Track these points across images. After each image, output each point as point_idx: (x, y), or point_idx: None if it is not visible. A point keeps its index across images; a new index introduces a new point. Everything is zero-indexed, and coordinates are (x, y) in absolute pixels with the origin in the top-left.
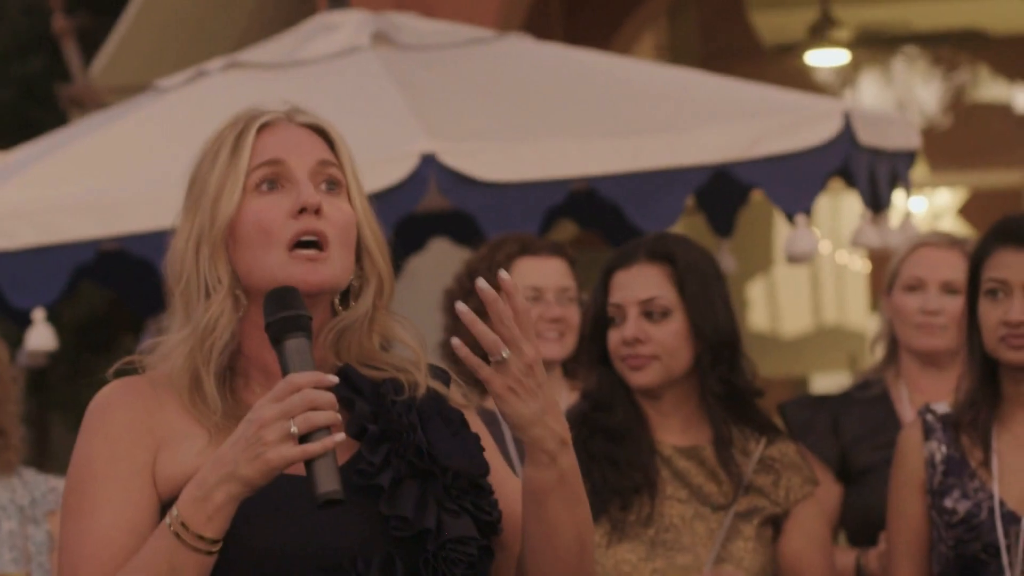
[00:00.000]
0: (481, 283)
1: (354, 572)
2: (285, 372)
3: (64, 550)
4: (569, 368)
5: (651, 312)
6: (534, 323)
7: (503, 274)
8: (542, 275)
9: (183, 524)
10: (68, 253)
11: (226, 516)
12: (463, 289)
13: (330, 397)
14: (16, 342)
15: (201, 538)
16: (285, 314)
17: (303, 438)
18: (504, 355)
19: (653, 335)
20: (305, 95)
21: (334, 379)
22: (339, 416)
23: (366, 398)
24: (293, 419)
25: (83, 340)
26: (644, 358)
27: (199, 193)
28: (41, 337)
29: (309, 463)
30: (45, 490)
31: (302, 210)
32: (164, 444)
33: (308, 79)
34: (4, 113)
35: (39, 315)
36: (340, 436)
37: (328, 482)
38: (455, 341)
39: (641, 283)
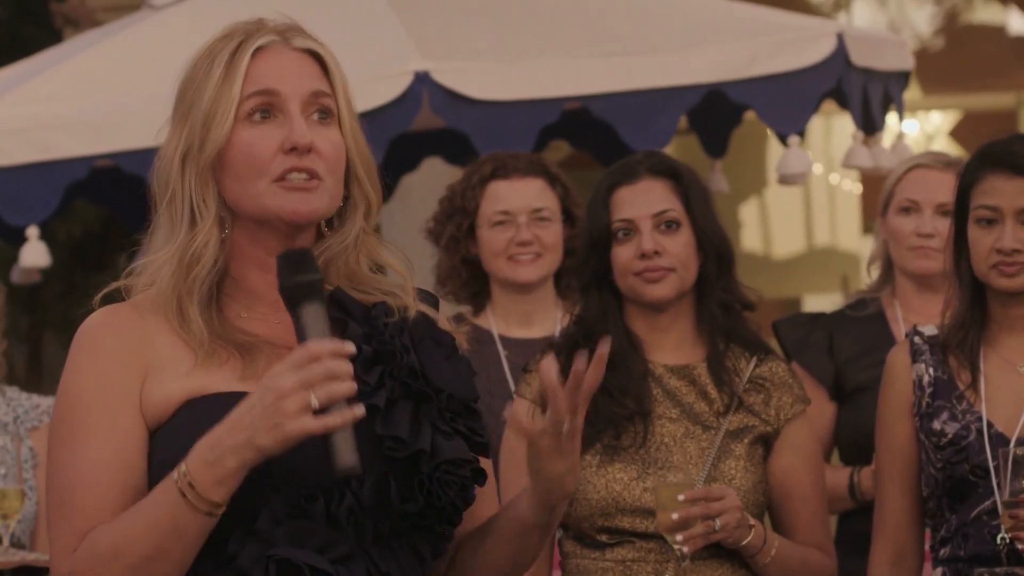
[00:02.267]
0: (551, 376)
1: (348, 492)
2: (301, 338)
3: (54, 481)
4: (563, 289)
5: (666, 224)
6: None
7: (601, 351)
8: (513, 197)
9: (191, 485)
10: (62, 170)
11: (236, 482)
12: (445, 213)
13: (349, 367)
14: (10, 259)
15: (207, 501)
16: (300, 279)
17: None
18: (566, 428)
19: (669, 247)
20: (299, 13)
21: (352, 349)
22: (356, 386)
23: (357, 321)
24: (313, 390)
25: (77, 257)
26: (663, 270)
27: (189, 106)
28: (35, 254)
29: (329, 436)
30: (28, 407)
31: (291, 149)
32: (151, 370)
33: None
34: None
35: (33, 232)
36: (360, 409)
37: (347, 456)
38: (518, 422)
39: (651, 197)
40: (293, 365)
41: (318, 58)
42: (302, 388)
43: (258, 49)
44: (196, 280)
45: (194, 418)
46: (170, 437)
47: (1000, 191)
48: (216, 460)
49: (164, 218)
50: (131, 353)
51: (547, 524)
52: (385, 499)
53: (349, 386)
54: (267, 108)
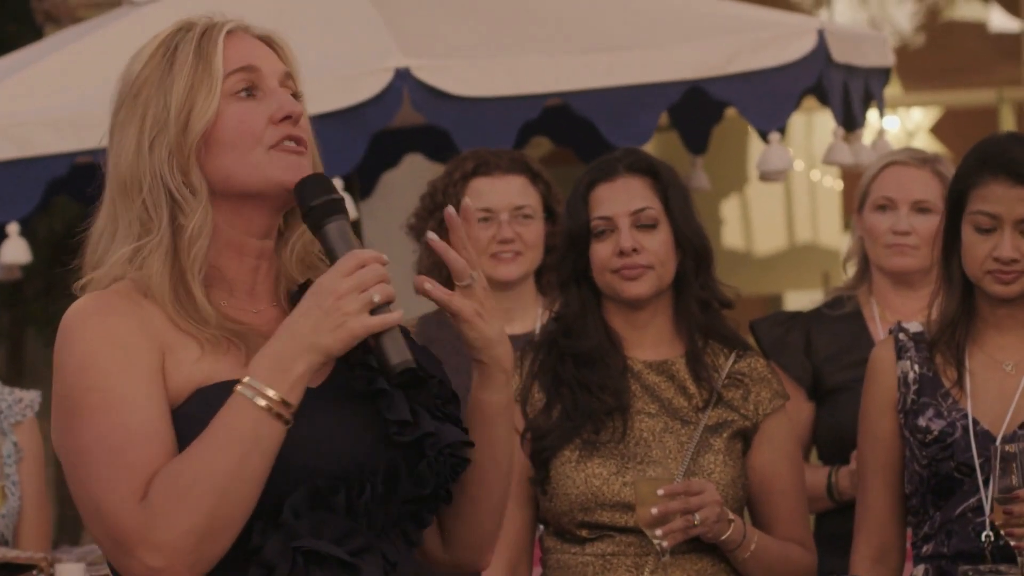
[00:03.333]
0: (449, 211)
1: (359, 481)
2: (332, 254)
3: (92, 448)
4: (544, 285)
5: (643, 223)
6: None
7: (466, 201)
8: (495, 194)
9: (275, 396)
10: (42, 167)
11: (304, 385)
12: (427, 209)
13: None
14: None
15: (287, 404)
16: (325, 198)
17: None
18: (473, 277)
19: (647, 245)
20: (281, 10)
21: (386, 258)
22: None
23: None
24: (370, 290)
25: (58, 254)
26: (640, 268)
27: (148, 98)
28: (15, 251)
29: (379, 337)
30: (11, 401)
31: (285, 118)
32: (167, 351)
33: None
34: None
35: (13, 229)
36: (401, 311)
37: (403, 352)
38: (422, 282)
39: (629, 195)
40: (342, 271)
41: (276, 46)
42: (358, 289)
43: (227, 33)
44: (196, 260)
45: (208, 406)
46: (184, 423)
47: (1000, 199)
48: (285, 368)
49: (130, 212)
50: (145, 332)
51: (508, 401)
52: (392, 487)
53: (392, 289)
54: (250, 86)
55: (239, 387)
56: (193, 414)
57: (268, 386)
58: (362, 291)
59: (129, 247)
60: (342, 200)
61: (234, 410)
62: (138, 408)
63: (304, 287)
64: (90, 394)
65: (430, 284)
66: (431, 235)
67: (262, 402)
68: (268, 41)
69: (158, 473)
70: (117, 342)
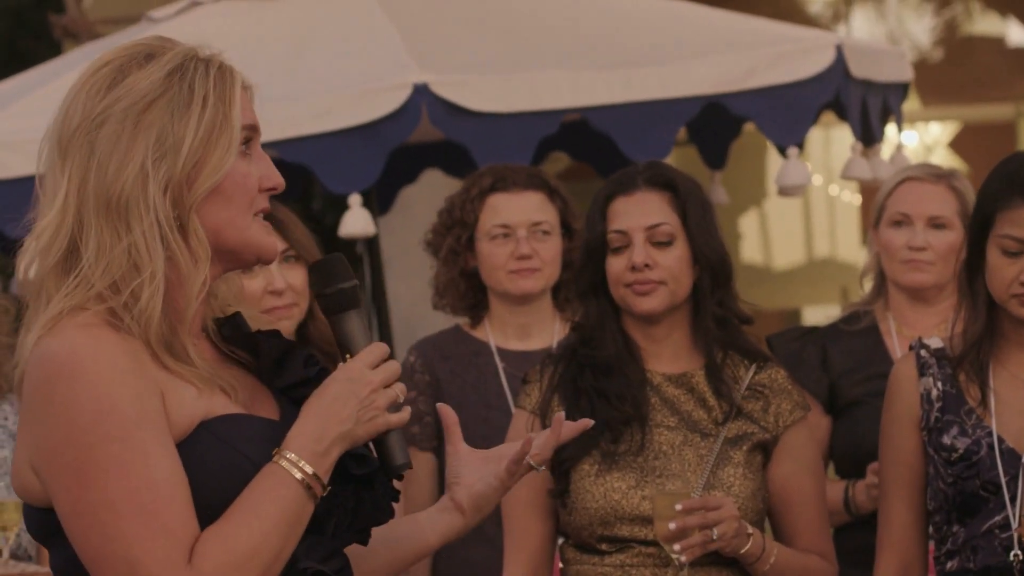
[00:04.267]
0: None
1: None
2: (348, 342)
3: (122, 502)
4: (561, 301)
5: (658, 239)
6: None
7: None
8: (513, 211)
9: (315, 476)
10: None
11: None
12: (444, 225)
13: None
14: (10, 272)
15: (324, 488)
16: (343, 286)
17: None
18: (540, 469)
19: (660, 260)
20: (299, 27)
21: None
22: None
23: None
24: (393, 387)
25: None
26: (652, 283)
27: (158, 124)
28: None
29: (385, 436)
30: None
31: (271, 189)
32: (165, 391)
33: (301, 10)
34: None
35: None
36: (407, 412)
37: (403, 454)
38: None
39: (646, 209)
40: (371, 362)
41: (252, 98)
42: (385, 385)
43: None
44: (187, 313)
45: (218, 439)
46: (191, 457)
47: None
48: (325, 451)
49: (111, 236)
50: (145, 372)
51: (436, 546)
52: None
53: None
54: (247, 143)
55: (282, 462)
56: (200, 446)
57: (308, 463)
58: (387, 386)
59: (108, 277)
60: (357, 287)
61: (279, 484)
62: (161, 460)
63: (227, 321)
64: (109, 445)
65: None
66: (560, 417)
67: (302, 478)
68: (250, 92)
69: (206, 538)
70: (130, 386)
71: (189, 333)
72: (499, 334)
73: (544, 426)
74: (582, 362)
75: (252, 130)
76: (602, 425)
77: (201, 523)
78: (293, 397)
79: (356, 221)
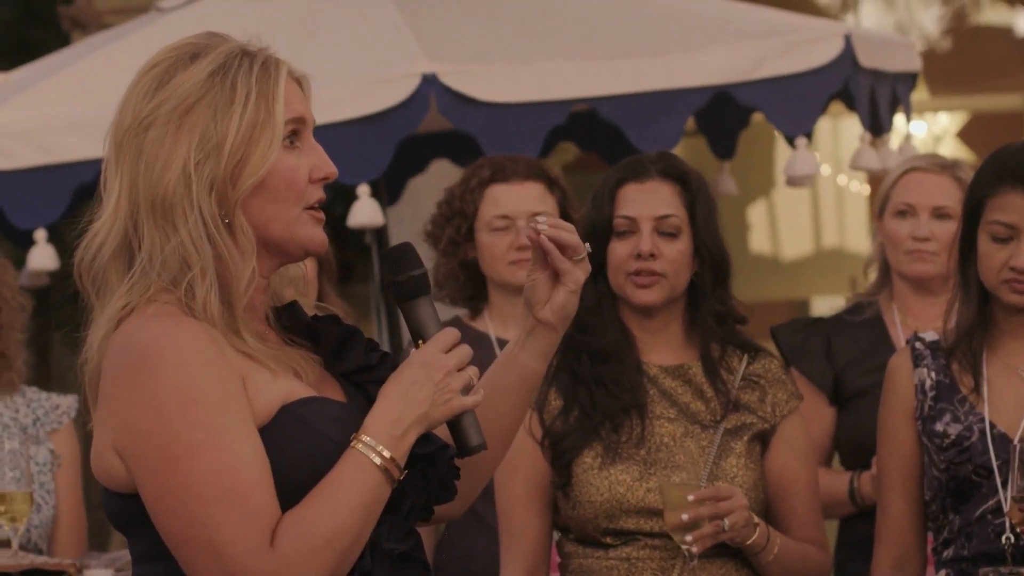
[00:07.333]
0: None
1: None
2: (420, 328)
3: (206, 487)
4: None
5: (665, 230)
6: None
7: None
8: (512, 202)
9: (393, 460)
10: (70, 173)
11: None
12: (444, 216)
13: None
14: (19, 263)
15: (400, 468)
16: (413, 274)
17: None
18: (588, 250)
19: (665, 251)
20: (307, 17)
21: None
22: None
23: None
24: (466, 369)
25: None
26: (654, 275)
27: (201, 123)
28: (43, 257)
29: (460, 417)
30: (48, 408)
31: (323, 179)
32: (245, 377)
33: (310, 1)
34: (5, 33)
35: (41, 235)
36: (482, 392)
37: (478, 434)
38: (539, 224)
39: (656, 199)
40: (444, 347)
41: (306, 89)
42: (458, 368)
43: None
44: (239, 305)
45: (300, 422)
46: (274, 440)
47: (1017, 209)
48: (402, 435)
49: (162, 236)
50: (225, 357)
51: (542, 373)
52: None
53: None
54: (294, 135)
55: (360, 446)
56: (284, 431)
57: (386, 448)
58: (460, 369)
59: (166, 274)
60: (426, 274)
61: (358, 469)
62: (244, 445)
63: (285, 308)
64: (195, 431)
65: (545, 241)
66: (541, 220)
67: (381, 463)
68: (301, 82)
69: (286, 521)
70: (213, 372)
71: (252, 320)
72: (498, 325)
73: (541, 420)
74: (579, 349)
75: (299, 122)
76: (602, 414)
77: (286, 505)
78: (355, 382)
79: (364, 211)
